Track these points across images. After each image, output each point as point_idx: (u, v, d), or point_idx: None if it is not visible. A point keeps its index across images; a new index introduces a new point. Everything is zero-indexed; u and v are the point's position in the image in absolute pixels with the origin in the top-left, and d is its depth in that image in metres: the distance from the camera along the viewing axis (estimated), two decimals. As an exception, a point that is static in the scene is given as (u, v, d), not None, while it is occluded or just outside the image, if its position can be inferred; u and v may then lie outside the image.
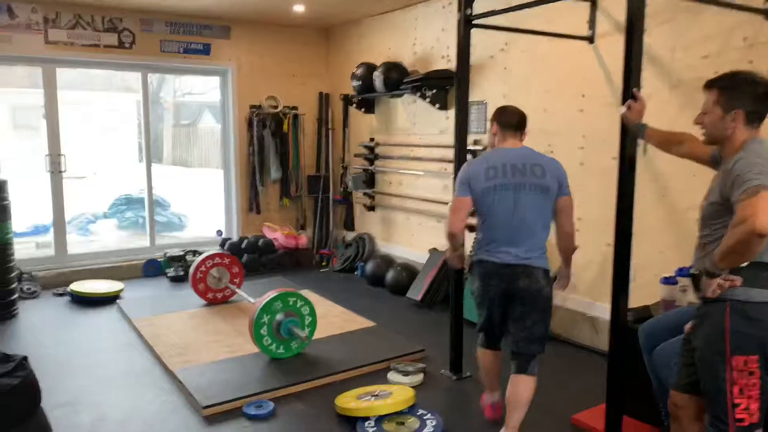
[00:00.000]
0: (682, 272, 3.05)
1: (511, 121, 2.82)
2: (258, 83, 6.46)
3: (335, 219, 6.90)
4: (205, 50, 6.17)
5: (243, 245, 6.12)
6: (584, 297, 4.14)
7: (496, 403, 3.03)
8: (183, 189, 10.32)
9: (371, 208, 6.31)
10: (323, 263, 6.55)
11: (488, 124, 3.01)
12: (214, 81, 6.62)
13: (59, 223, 5.69)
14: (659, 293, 3.16)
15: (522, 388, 2.72)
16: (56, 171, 5.59)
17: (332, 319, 4.53)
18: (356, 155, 6.35)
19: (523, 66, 4.50)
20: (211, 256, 4.90)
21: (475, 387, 3.46)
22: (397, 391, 3.22)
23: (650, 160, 3.55)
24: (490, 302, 2.81)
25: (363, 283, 5.81)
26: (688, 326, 2.24)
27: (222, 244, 6.20)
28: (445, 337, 4.21)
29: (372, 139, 6.19)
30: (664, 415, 2.65)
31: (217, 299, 4.94)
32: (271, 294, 3.71)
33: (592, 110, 4.00)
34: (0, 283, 4.61)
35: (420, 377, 3.55)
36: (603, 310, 4.00)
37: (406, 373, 3.56)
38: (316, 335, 3.93)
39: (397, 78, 5.40)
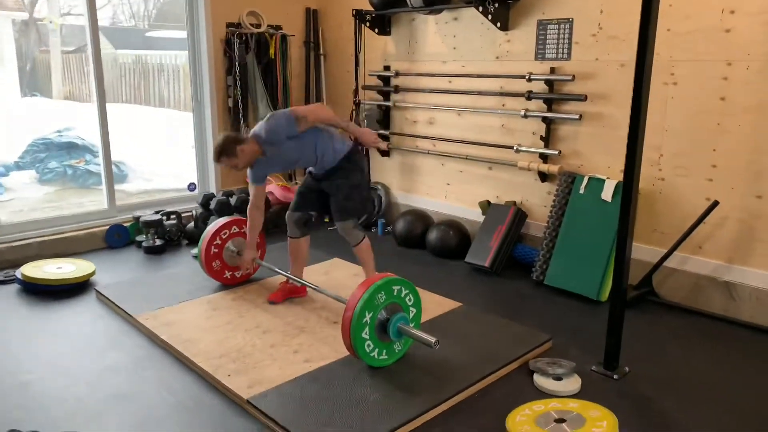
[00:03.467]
0: None
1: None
2: (234, -6, 5.07)
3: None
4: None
5: (234, 202, 4.89)
6: (715, 258, 3.48)
7: None
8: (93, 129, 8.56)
9: (385, 153, 5.26)
10: (326, 219, 5.47)
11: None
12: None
13: (-15, 184, 4.17)
14: None
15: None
16: (-24, 111, 4.01)
17: (400, 298, 3.58)
18: (364, 87, 5.21)
19: (631, -27, 3.59)
20: (227, 225, 3.71)
21: (652, 388, 2.72)
22: (582, 410, 2.40)
23: None
24: None
25: (390, 244, 4.84)
26: None
27: (204, 203, 4.92)
28: (552, 315, 3.53)
29: (387, 68, 5.07)
30: None
31: (236, 279, 3.79)
32: (370, 282, 2.70)
33: (744, 30, 3.19)
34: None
35: (577, 381, 2.74)
36: (744, 273, 3.37)
37: (557, 377, 2.74)
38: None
39: (440, -11, 4.30)
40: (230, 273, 3.76)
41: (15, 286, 3.84)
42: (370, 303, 2.66)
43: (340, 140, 3.37)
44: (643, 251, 3.71)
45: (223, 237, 3.69)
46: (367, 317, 2.66)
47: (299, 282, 3.48)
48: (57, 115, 9.25)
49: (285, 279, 3.58)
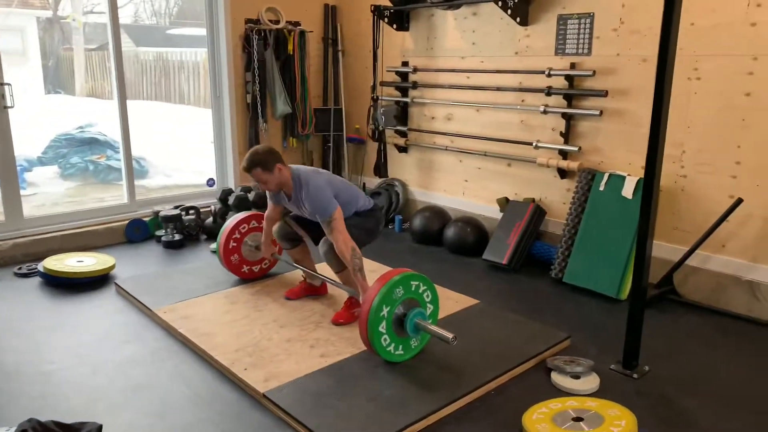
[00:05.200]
0: None
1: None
2: (254, -10, 5.08)
3: (349, 162, 5.78)
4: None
5: (252, 198, 4.91)
6: (738, 257, 3.42)
7: None
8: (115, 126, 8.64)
9: (403, 149, 5.25)
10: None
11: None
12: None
13: (9, 178, 4.23)
14: None
15: None
16: (0, 106, 4.08)
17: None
18: (382, 83, 5.20)
19: (654, -33, 3.53)
20: (245, 219, 3.73)
21: (672, 388, 2.67)
22: (600, 409, 2.37)
23: None
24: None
25: (407, 241, 4.83)
26: None
27: (223, 198, 4.95)
28: (570, 313, 3.50)
29: (405, 63, 5.06)
30: None
31: (254, 273, 3.81)
32: (388, 277, 2.69)
33: (771, 24, 3.14)
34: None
35: (596, 380, 2.71)
36: (768, 273, 3.30)
37: (575, 376, 2.71)
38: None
39: (460, -17, 4.27)
40: (248, 267, 3.78)
41: (37, 279, 3.90)
42: (388, 297, 2.65)
43: (364, 201, 3.34)
44: (664, 249, 3.65)
45: (242, 231, 3.71)
46: (385, 311, 2.65)
47: (316, 275, 3.48)
48: (80, 112, 9.37)
49: (304, 277, 3.58)
